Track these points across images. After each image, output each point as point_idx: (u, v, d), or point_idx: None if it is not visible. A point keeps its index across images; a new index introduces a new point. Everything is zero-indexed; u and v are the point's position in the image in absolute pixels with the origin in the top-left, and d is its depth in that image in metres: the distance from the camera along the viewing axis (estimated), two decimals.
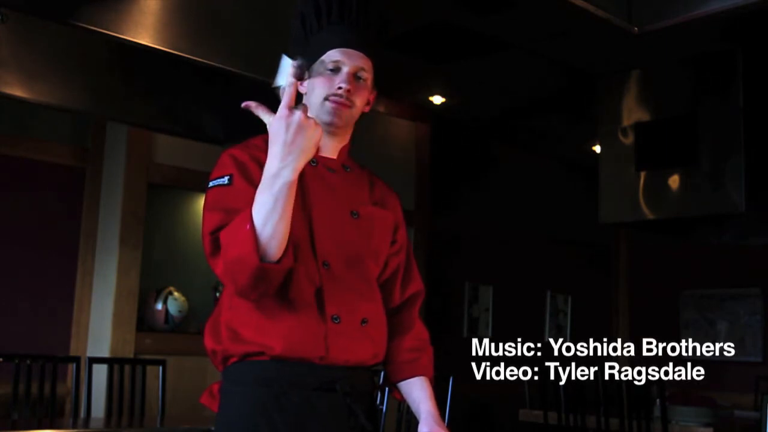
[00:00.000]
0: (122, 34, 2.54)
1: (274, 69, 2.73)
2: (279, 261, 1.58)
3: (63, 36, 3.37)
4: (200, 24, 2.70)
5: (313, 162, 1.81)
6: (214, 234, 1.64)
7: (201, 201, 5.22)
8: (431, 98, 5.65)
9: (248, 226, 1.55)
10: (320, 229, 1.74)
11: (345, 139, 1.87)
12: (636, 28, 3.01)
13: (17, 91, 3.30)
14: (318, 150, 1.82)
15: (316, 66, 1.81)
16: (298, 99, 1.87)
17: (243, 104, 1.63)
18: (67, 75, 3.46)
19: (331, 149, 1.85)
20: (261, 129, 1.85)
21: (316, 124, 1.58)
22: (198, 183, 4.82)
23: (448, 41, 4.60)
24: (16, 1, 2.62)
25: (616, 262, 7.71)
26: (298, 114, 1.56)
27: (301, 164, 1.57)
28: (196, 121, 3.97)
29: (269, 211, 1.55)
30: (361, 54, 1.81)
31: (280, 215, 1.56)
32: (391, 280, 1.92)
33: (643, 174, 4.62)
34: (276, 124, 1.57)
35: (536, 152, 6.87)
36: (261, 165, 1.73)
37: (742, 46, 4.29)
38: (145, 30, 2.57)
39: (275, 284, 1.62)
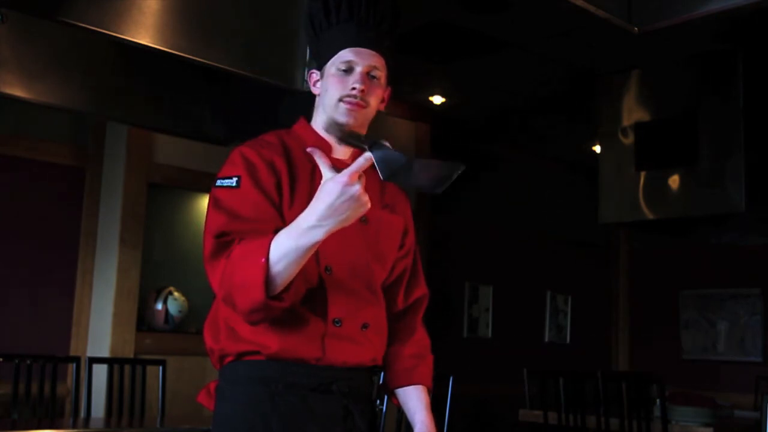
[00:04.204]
0: (122, 34, 2.53)
1: (274, 69, 2.72)
2: (279, 296, 1.58)
3: (63, 36, 3.37)
4: (200, 24, 2.70)
5: None
6: (219, 239, 1.63)
7: (201, 201, 5.23)
8: (431, 98, 5.65)
9: (263, 260, 1.54)
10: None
11: None
12: (636, 28, 3.00)
13: (17, 91, 3.30)
14: (330, 151, 1.81)
15: (328, 66, 1.79)
16: (312, 99, 1.86)
17: (308, 149, 1.61)
18: (67, 75, 3.45)
19: (343, 151, 1.84)
20: (261, 130, 1.84)
21: (368, 200, 1.55)
22: (198, 183, 4.82)
23: (448, 41, 4.60)
24: (15, 0, 2.62)
25: (616, 262, 7.71)
26: (357, 188, 1.52)
27: (336, 229, 1.55)
28: (197, 121, 3.96)
29: (286, 254, 1.55)
30: (373, 52, 1.79)
31: (296, 261, 1.56)
32: (397, 283, 1.92)
33: (643, 174, 4.62)
34: (332, 185, 1.52)
35: (536, 152, 6.87)
36: (273, 168, 1.71)
37: (742, 46, 4.29)
38: (145, 30, 2.57)
39: (268, 318, 1.62)
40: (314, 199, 1.55)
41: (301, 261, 1.57)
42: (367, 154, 1.54)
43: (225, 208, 1.66)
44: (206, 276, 1.68)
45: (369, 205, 1.55)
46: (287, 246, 1.55)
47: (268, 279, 1.54)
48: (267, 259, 1.54)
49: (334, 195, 1.52)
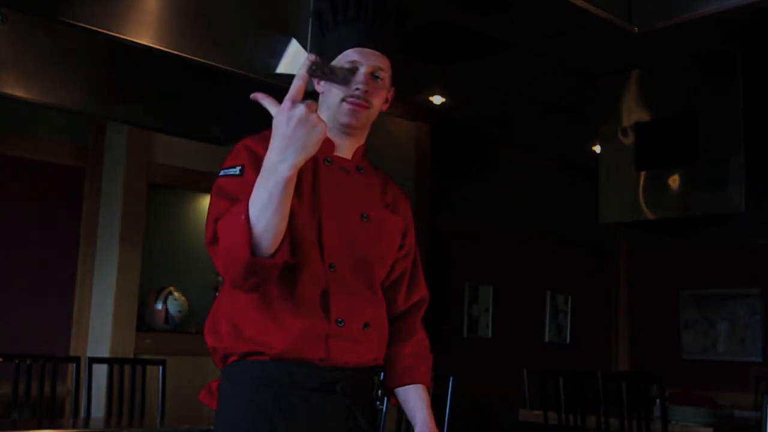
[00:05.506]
0: (122, 34, 2.53)
1: (274, 69, 2.72)
2: (272, 256, 1.56)
3: (63, 36, 3.37)
4: (200, 24, 2.70)
5: (327, 161, 1.80)
6: (218, 222, 1.62)
7: (201, 201, 5.22)
8: (431, 98, 5.65)
9: (243, 218, 1.53)
10: (329, 231, 1.74)
11: (361, 140, 1.86)
12: (636, 28, 3.01)
13: (17, 91, 3.29)
14: (333, 149, 1.82)
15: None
16: (315, 97, 1.86)
17: (251, 96, 1.59)
18: (67, 75, 3.45)
19: (346, 150, 1.84)
20: (261, 130, 1.84)
21: (320, 120, 1.53)
22: (198, 183, 4.82)
23: (448, 41, 4.60)
24: (15, 0, 2.63)
25: (616, 262, 7.71)
26: (300, 108, 1.51)
27: (299, 160, 1.53)
28: (196, 121, 3.96)
29: (264, 204, 1.53)
30: (378, 53, 1.79)
31: (275, 210, 1.53)
32: (397, 284, 1.92)
33: (643, 174, 4.61)
34: (278, 116, 1.53)
35: (536, 152, 6.87)
36: None
37: (742, 46, 4.29)
38: (145, 30, 2.57)
39: (268, 278, 1.60)
40: (271, 139, 1.54)
41: (280, 208, 1.53)
42: (301, 72, 1.54)
43: (227, 194, 1.65)
44: (206, 276, 1.68)
45: (323, 126, 1.53)
46: (262, 196, 1.53)
47: (254, 238, 1.53)
48: (247, 216, 1.53)
49: (283, 122, 1.51)
